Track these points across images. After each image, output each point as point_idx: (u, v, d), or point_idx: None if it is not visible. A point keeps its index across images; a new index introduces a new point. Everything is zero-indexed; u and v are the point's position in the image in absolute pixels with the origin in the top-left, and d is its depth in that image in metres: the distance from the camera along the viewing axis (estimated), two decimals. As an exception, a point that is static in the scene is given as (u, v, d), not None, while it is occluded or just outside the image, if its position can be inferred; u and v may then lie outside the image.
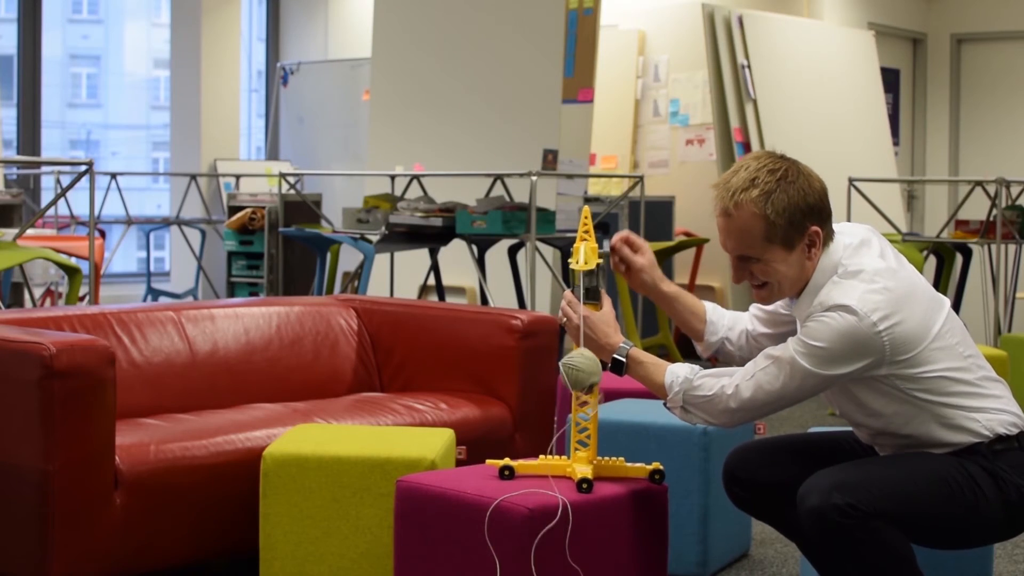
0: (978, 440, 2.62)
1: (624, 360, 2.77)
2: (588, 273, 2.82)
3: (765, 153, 2.71)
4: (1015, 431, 2.64)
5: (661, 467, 2.93)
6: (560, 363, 2.79)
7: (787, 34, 8.94)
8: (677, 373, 2.72)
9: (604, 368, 2.87)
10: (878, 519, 2.49)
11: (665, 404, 2.77)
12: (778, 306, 2.88)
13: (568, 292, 2.84)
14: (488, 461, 2.94)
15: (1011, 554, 3.98)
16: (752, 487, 2.86)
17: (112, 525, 3.18)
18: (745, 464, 2.87)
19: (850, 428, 2.88)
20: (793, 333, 2.69)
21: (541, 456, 2.96)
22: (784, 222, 2.62)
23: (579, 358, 2.78)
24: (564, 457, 2.93)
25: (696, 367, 2.76)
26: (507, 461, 2.89)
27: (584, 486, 2.80)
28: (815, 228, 2.64)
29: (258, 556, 3.29)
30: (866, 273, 2.62)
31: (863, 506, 2.48)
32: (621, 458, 2.95)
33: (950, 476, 2.59)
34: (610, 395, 4.01)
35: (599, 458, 2.91)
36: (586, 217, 2.86)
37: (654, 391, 2.78)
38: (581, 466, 2.86)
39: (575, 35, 7.80)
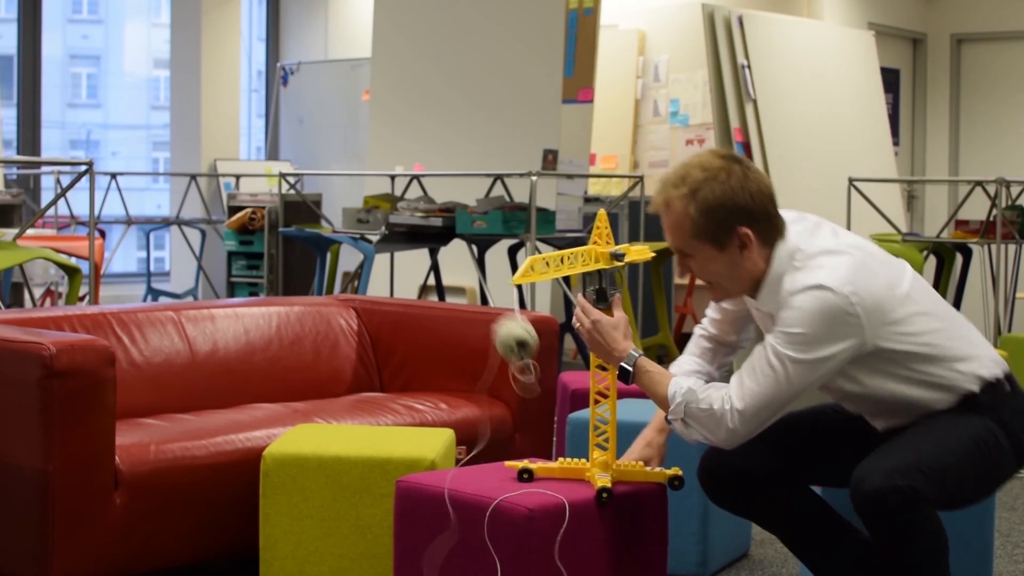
0: (966, 388, 2.64)
1: (631, 369, 2.75)
2: (597, 276, 2.80)
3: (710, 151, 2.68)
4: (1000, 372, 2.68)
5: (680, 473, 2.92)
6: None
7: (787, 34, 8.94)
8: (681, 384, 2.70)
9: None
10: (931, 503, 2.51)
11: (667, 418, 2.75)
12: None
13: (580, 296, 2.82)
14: (507, 464, 2.92)
15: (1011, 554, 3.98)
16: (729, 479, 2.82)
17: (112, 525, 3.18)
18: (720, 457, 2.82)
19: (829, 401, 2.88)
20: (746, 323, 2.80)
21: (560, 459, 2.94)
22: (707, 220, 2.59)
23: (510, 322, 2.74)
24: (583, 460, 2.92)
25: (701, 381, 2.75)
26: (527, 463, 2.87)
27: (604, 496, 2.77)
28: (744, 230, 2.60)
29: (258, 556, 3.29)
30: (825, 253, 2.61)
31: (922, 490, 2.49)
32: (641, 463, 2.94)
33: (979, 437, 2.62)
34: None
35: (618, 462, 2.91)
36: (600, 221, 2.83)
37: (657, 402, 2.76)
38: (600, 472, 2.84)
39: (575, 35, 7.79)
